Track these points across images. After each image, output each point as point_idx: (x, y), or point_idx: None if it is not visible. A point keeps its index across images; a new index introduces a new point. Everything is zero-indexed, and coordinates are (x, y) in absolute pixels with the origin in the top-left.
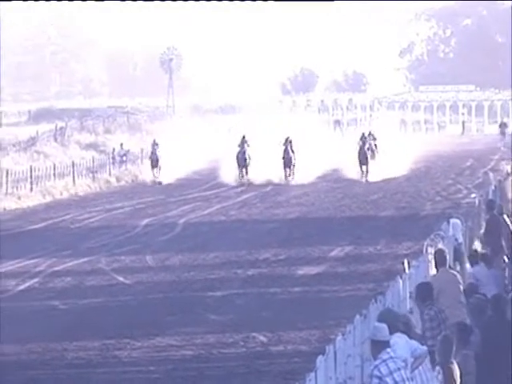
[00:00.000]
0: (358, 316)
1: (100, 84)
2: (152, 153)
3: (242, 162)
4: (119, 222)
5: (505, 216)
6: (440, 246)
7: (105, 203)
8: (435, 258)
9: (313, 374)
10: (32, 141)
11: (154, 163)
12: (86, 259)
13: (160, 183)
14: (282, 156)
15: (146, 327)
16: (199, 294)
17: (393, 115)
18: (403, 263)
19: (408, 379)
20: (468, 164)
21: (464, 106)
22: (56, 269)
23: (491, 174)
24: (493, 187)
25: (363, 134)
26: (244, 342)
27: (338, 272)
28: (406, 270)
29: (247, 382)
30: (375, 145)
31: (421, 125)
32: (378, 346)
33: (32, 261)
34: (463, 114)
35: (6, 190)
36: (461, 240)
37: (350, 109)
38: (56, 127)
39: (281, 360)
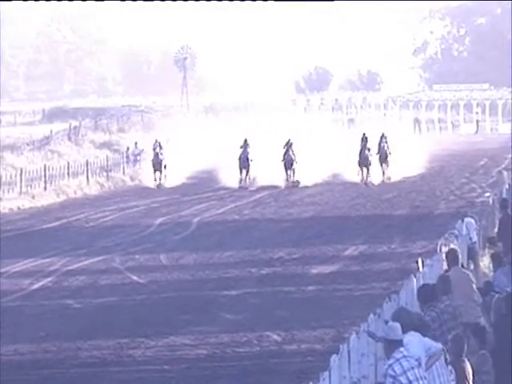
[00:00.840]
0: (371, 315)
1: (114, 83)
2: (155, 155)
3: (245, 164)
4: (133, 220)
5: None
6: (452, 245)
7: (119, 202)
8: (447, 257)
9: (327, 373)
10: (46, 140)
11: (157, 166)
12: (100, 258)
13: (159, 186)
14: (282, 159)
15: (160, 326)
16: (213, 293)
17: (407, 114)
18: (417, 262)
19: (422, 378)
20: (482, 163)
21: (478, 104)
22: (70, 268)
23: (505, 173)
24: (507, 186)
25: (364, 134)
26: (258, 341)
27: (352, 271)
28: (420, 269)
29: (261, 381)
30: (387, 147)
31: (435, 124)
32: (392, 345)
33: (46, 260)
34: (477, 112)
35: (21, 189)
36: (475, 239)
37: (364, 108)
38: (70, 126)
39: (295, 359)
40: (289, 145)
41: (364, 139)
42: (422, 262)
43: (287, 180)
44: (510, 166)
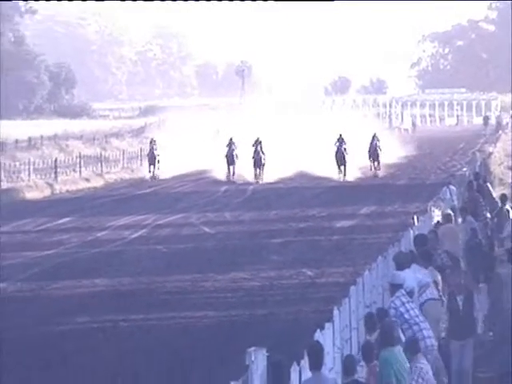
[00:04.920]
0: (380, 257)
1: (191, 88)
2: (150, 151)
3: (231, 161)
4: (205, 188)
5: (488, 184)
6: (448, 210)
7: (194, 175)
8: (443, 217)
9: (347, 299)
10: (142, 129)
11: (151, 160)
12: (180, 215)
13: (155, 178)
14: (252, 156)
15: (225, 265)
16: (264, 241)
17: (406, 111)
18: (413, 218)
19: (413, 308)
20: (461, 146)
21: (458, 103)
22: (159, 222)
23: (478, 154)
24: (478, 163)
25: (340, 135)
26: (297, 276)
27: (365, 225)
28: (415, 223)
29: (299, 305)
30: (378, 145)
31: (426, 118)
32: (395, 288)
33: (141, 216)
34: (457, 109)
35: (123, 165)
36: (456, 202)
37: (375, 106)
38: (159, 119)
39: (324, 289)
40: (258, 143)
41: (340, 140)
42: (417, 218)
43: (256, 175)
44: (482, 148)
